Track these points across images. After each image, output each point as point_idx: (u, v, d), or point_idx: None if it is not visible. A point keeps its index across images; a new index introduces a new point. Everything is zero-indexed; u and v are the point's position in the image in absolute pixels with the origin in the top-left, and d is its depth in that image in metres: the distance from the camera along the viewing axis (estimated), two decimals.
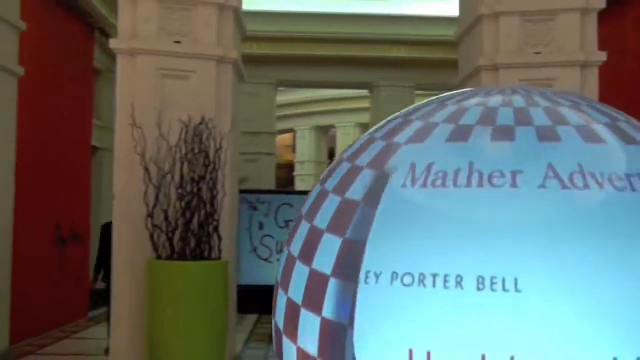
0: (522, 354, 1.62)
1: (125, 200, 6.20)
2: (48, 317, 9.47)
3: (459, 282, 1.68)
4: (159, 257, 5.87)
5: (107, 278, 7.36)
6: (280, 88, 16.78)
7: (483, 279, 1.68)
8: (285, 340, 1.93)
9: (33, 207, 8.90)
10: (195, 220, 5.93)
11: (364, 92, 16.08)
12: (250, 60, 14.97)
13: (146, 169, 5.93)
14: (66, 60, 10.05)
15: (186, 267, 5.80)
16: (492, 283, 1.67)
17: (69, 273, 9.74)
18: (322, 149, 22.70)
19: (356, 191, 1.93)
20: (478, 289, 1.67)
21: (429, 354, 1.67)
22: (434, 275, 1.70)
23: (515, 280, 1.65)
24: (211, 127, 6.12)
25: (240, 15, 6.96)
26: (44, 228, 9.20)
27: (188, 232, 5.91)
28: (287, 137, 23.69)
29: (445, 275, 1.69)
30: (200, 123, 6.09)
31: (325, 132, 22.57)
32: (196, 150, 6.03)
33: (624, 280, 1.64)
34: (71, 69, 9.93)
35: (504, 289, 1.66)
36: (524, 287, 1.64)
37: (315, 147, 22.33)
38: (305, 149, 22.34)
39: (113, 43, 6.34)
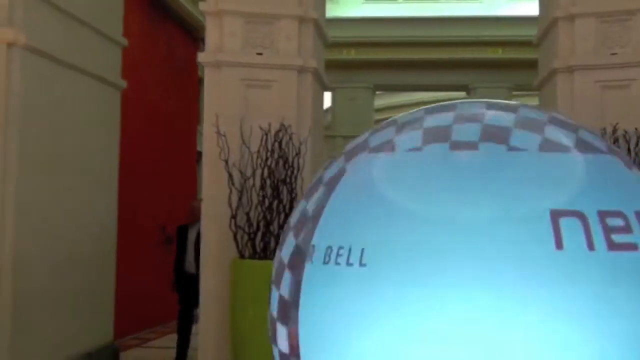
0: None
1: (212, 202, 6.64)
2: (153, 313, 10.15)
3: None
4: (242, 257, 6.26)
5: (180, 284, 7.94)
6: (378, 92, 17.03)
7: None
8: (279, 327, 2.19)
9: (139, 210, 9.58)
10: (275, 222, 6.29)
11: (462, 94, 16.06)
12: (349, 65, 15.34)
13: (230, 174, 6.35)
14: (171, 70, 10.75)
15: (267, 266, 6.13)
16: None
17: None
18: None
19: (315, 201, 2.18)
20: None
21: None
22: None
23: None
24: (290, 133, 6.45)
25: (320, 26, 7.26)
26: (149, 229, 9.88)
27: (269, 233, 6.27)
28: None
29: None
30: (280, 130, 6.44)
31: None
32: (276, 156, 6.38)
33: None
34: (176, 78, 10.58)
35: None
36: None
37: None
38: None
39: (201, 57, 6.80)
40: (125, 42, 8.28)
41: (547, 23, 6.72)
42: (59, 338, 6.89)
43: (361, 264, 1.84)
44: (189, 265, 7.89)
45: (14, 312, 6.14)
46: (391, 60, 15.14)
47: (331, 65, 14.76)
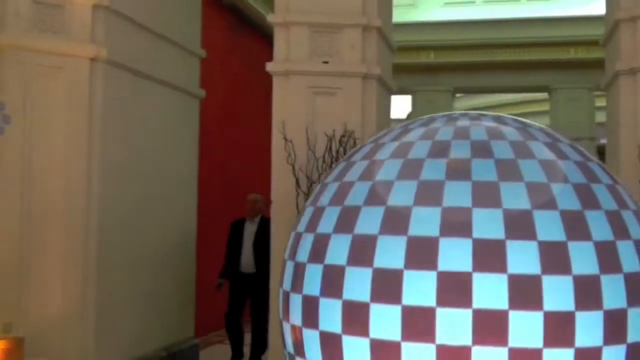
0: None
1: (281, 205, 6.95)
2: None
3: None
4: None
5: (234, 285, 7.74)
6: (457, 95, 16.98)
7: None
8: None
9: (218, 212, 10.02)
10: None
11: (544, 95, 15.83)
12: (428, 68, 15.40)
13: (297, 179, 6.65)
14: (251, 77, 11.15)
15: None
16: None
17: None
18: None
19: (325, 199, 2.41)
20: None
21: None
22: None
23: None
24: (354, 138, 6.68)
25: (384, 33, 7.45)
26: (227, 230, 10.30)
27: None
28: None
29: None
30: (344, 135, 6.67)
31: None
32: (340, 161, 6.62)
33: None
34: (256, 85, 10.95)
35: None
36: None
37: None
38: None
39: (269, 66, 7.11)
40: (203, 53, 8.72)
41: (610, 24, 6.67)
42: (140, 333, 7.36)
43: None
44: (246, 265, 7.73)
45: (99, 308, 6.64)
46: (470, 62, 15.08)
47: (410, 68, 14.95)
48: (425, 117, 2.69)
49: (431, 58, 15.61)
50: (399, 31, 13.73)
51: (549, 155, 2.33)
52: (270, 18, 7.18)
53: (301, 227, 2.66)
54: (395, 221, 2.22)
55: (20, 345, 5.87)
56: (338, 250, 2.33)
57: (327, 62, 7.05)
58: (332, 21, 7.02)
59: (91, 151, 6.60)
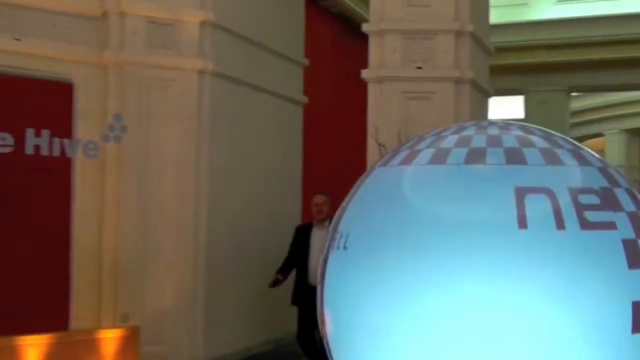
0: None
1: None
2: None
3: None
4: None
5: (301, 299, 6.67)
6: (573, 94, 16.57)
7: None
8: None
9: None
10: None
11: None
12: (541, 68, 15.16)
13: None
14: (358, 83, 11.47)
15: None
16: None
17: None
18: (633, 152, 21.58)
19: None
20: None
21: None
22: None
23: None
24: None
25: (479, 37, 7.56)
26: None
27: None
28: (597, 141, 22.91)
29: None
30: None
31: (637, 135, 21.42)
32: None
33: None
34: (361, 91, 11.29)
35: None
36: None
37: (626, 150, 21.32)
38: (616, 153, 21.42)
39: (364, 73, 7.41)
40: (306, 61, 9.15)
41: None
42: (247, 326, 7.87)
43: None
44: (315, 276, 6.64)
45: (208, 301, 7.19)
46: (586, 60, 14.73)
47: (523, 68, 14.77)
48: (455, 125, 2.90)
49: (543, 58, 15.34)
50: (510, 31, 13.67)
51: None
52: (365, 27, 7.48)
53: None
54: None
55: (136, 333, 6.46)
56: None
57: (420, 68, 7.26)
58: (425, 27, 7.23)
59: (199, 157, 7.16)
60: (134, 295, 6.82)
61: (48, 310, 6.54)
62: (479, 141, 2.60)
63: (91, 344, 6.18)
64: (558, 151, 2.49)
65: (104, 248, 6.81)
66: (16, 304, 6.27)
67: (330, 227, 2.77)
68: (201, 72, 7.19)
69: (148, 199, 6.97)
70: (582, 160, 2.48)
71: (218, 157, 7.38)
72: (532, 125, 2.82)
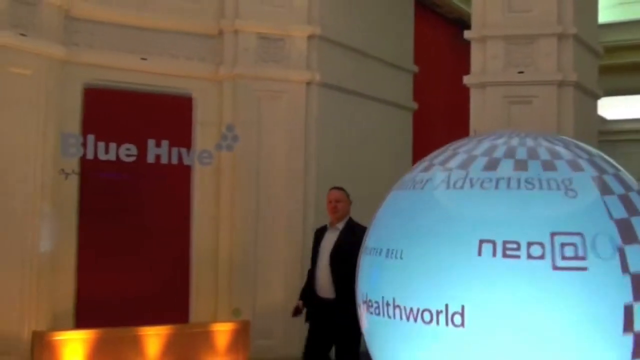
0: None
1: None
2: None
3: None
4: None
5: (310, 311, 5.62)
6: None
7: None
8: None
9: None
10: None
11: None
12: None
13: None
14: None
15: None
16: None
17: None
18: None
19: None
20: None
21: None
22: None
23: None
24: None
25: (584, 39, 7.48)
26: None
27: None
28: None
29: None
30: None
31: None
32: None
33: None
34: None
35: None
36: None
37: None
38: None
39: (466, 79, 7.54)
40: (415, 68, 9.39)
41: None
42: None
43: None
44: (322, 287, 5.43)
45: None
46: None
47: None
48: (494, 133, 3.09)
49: None
50: (627, 29, 13.15)
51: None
52: (467, 34, 7.61)
53: None
54: None
55: (246, 328, 6.99)
56: None
57: (522, 72, 7.31)
58: (527, 32, 7.25)
59: (307, 162, 7.61)
60: (246, 292, 7.35)
61: (170, 304, 7.21)
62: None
63: (206, 336, 6.78)
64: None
65: (219, 248, 7.40)
66: (142, 298, 6.96)
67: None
68: (309, 83, 7.64)
69: (259, 202, 7.49)
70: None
71: (325, 163, 7.77)
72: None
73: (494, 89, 7.35)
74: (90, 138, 6.66)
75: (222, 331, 6.82)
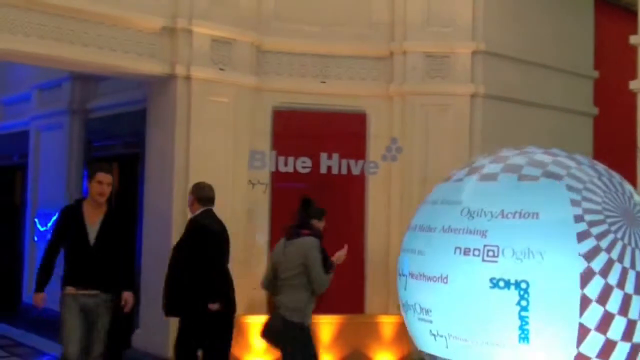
0: None
1: None
2: None
3: None
4: None
5: None
6: None
7: None
8: None
9: None
10: None
11: None
12: None
13: None
14: None
15: None
16: None
17: None
18: None
19: None
20: None
21: None
22: None
23: None
24: None
25: None
26: None
27: None
28: None
29: None
30: None
31: None
32: None
33: None
34: None
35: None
36: None
37: None
38: None
39: (632, 85, 7.51)
40: (595, 74, 9.39)
41: None
42: None
43: None
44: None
45: None
46: None
47: None
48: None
49: None
50: None
51: None
52: (633, 40, 7.59)
53: None
54: None
55: None
56: None
57: None
58: None
59: None
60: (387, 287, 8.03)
61: (348, 296, 8.14)
62: None
63: (373, 327, 7.61)
64: None
65: (390, 249, 8.16)
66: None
67: None
68: (473, 96, 8.15)
69: (410, 207, 8.13)
70: None
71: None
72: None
73: None
74: (272, 154, 7.88)
75: (386, 323, 7.60)
